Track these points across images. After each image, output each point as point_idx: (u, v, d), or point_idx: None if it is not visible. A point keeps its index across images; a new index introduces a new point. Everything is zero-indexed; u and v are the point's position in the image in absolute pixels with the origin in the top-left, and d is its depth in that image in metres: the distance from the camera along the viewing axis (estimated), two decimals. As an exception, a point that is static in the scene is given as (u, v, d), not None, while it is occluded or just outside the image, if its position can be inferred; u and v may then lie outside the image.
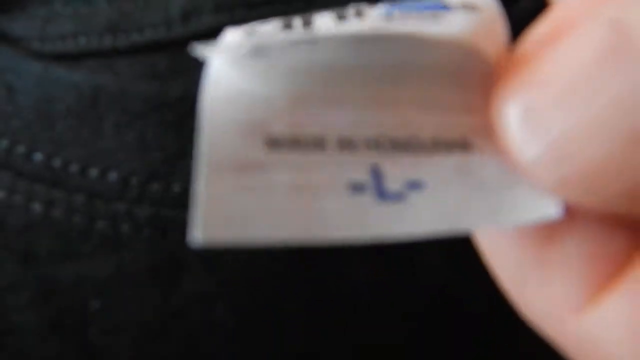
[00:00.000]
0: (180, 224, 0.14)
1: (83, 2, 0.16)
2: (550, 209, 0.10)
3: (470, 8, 0.12)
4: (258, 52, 0.11)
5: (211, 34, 0.15)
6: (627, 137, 0.09)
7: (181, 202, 0.14)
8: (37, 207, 0.14)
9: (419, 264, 0.16)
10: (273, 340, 0.15)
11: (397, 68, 0.12)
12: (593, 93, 0.09)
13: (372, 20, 0.12)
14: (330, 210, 0.10)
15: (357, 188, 0.10)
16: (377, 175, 0.11)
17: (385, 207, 0.10)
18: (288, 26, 0.12)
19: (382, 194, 0.10)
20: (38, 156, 0.15)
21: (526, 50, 0.10)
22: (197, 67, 0.15)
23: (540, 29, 0.10)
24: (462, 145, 0.11)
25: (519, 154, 0.10)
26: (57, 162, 0.15)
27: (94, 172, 0.14)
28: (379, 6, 0.12)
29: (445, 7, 0.12)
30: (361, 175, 0.10)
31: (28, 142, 0.15)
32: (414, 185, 0.11)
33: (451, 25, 0.11)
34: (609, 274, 0.10)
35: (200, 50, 0.11)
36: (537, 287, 0.10)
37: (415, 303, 0.16)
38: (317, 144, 0.11)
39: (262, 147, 0.10)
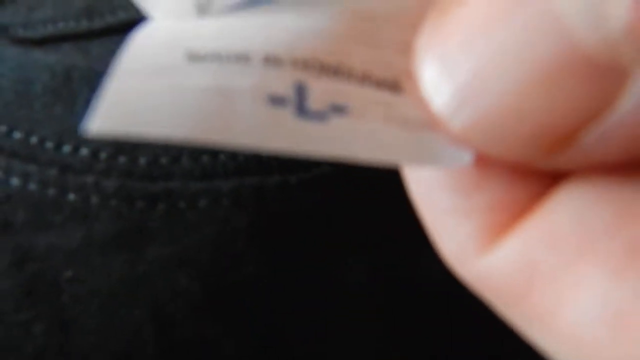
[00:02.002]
0: (146, 195, 0.15)
1: None
2: (462, 157, 0.10)
3: None
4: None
5: None
6: (523, 80, 0.09)
7: (147, 174, 0.15)
8: (15, 181, 0.15)
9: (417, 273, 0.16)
10: (238, 308, 0.16)
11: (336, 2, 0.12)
12: (493, 36, 0.09)
13: None
14: (244, 114, 0.10)
15: (277, 101, 0.10)
16: (300, 91, 0.10)
17: (304, 124, 0.10)
18: None
19: (303, 111, 0.10)
20: (17, 134, 0.16)
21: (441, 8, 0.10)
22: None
23: None
24: (392, 86, 0.11)
25: (430, 101, 0.10)
26: (34, 139, 0.16)
27: (67, 147, 0.15)
28: None
29: None
30: (283, 89, 0.10)
31: (8, 121, 0.16)
32: (338, 109, 0.10)
33: None
34: (510, 220, 0.10)
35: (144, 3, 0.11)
36: (450, 231, 0.10)
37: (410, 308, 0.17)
38: (241, 58, 0.10)
39: (182, 58, 0.10)
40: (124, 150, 0.15)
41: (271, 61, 0.10)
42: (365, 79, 0.11)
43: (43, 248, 0.15)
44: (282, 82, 0.10)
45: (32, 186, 0.15)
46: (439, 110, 0.10)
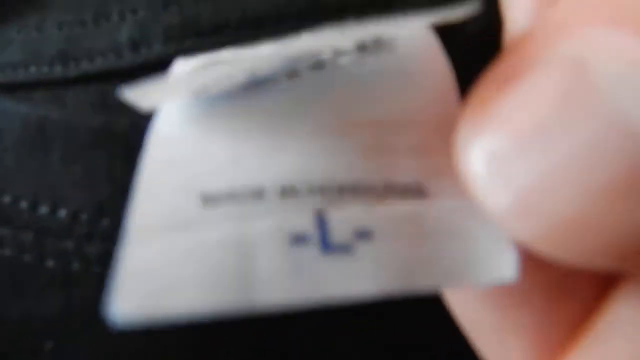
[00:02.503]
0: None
1: (35, 28, 0.16)
2: (506, 271, 0.09)
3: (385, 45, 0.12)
4: (198, 101, 0.11)
5: (161, 63, 0.15)
6: (594, 189, 0.08)
7: None
8: None
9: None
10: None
11: (342, 111, 0.11)
12: (554, 141, 0.08)
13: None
14: (266, 269, 0.09)
15: (299, 239, 0.09)
16: (322, 222, 0.10)
17: (331, 262, 0.09)
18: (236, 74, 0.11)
19: (327, 245, 0.09)
20: None
21: (484, 90, 0.10)
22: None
23: (497, 67, 0.10)
24: (416, 192, 0.10)
25: (488, 204, 0.09)
26: (6, 199, 0.14)
27: (43, 208, 0.14)
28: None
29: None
30: (304, 223, 0.10)
31: None
32: (363, 235, 0.10)
33: (391, 61, 0.11)
34: (565, 338, 0.09)
35: (135, 95, 0.11)
36: (498, 353, 0.10)
37: None
38: (256, 194, 0.10)
39: (196, 204, 0.10)
40: (107, 212, 0.14)
41: (287, 193, 0.10)
42: (388, 191, 0.10)
43: (17, 317, 0.14)
44: (302, 216, 0.10)
45: (6, 251, 0.14)
46: (497, 214, 0.09)
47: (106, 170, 0.14)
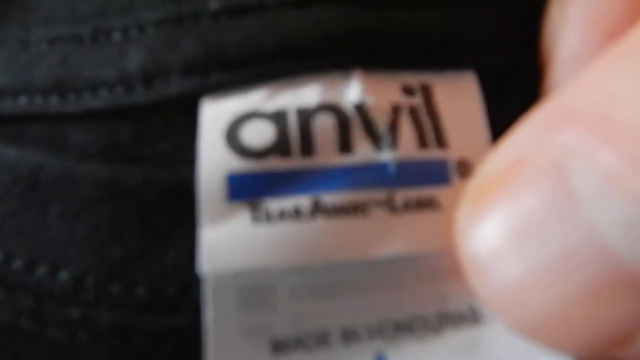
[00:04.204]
0: (147, 331, 0.12)
1: (18, 41, 0.13)
2: None
3: (464, 169, 0.12)
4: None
5: (181, 101, 0.13)
6: (571, 291, 0.09)
7: (147, 306, 0.12)
8: None
9: None
10: None
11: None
12: (538, 244, 0.09)
13: (374, 207, 0.11)
14: None
15: None
16: None
17: None
18: (285, 149, 0.11)
19: None
20: None
21: (482, 183, 0.11)
22: (163, 138, 0.13)
23: (494, 162, 0.11)
24: (470, 318, 0.11)
25: (478, 290, 0.10)
26: None
27: (42, 269, 0.12)
28: (384, 149, 0.11)
29: (443, 175, 0.12)
30: None
31: None
32: None
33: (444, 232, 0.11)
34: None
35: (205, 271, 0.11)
36: None
37: None
38: (321, 339, 0.10)
39: (267, 353, 0.10)
40: (117, 277, 0.12)
41: (349, 336, 0.10)
42: (442, 321, 0.11)
43: None
44: (364, 358, 0.10)
45: (3, 317, 0.12)
46: (488, 301, 0.10)
47: (115, 230, 0.12)
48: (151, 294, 0.12)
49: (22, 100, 0.13)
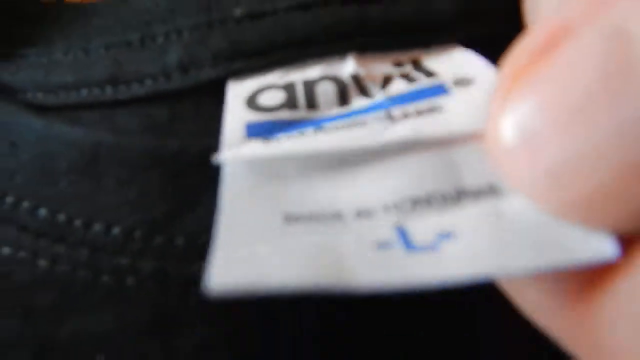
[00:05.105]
0: (183, 278, 0.14)
1: (81, 49, 0.16)
2: (603, 247, 0.09)
3: (465, 82, 0.12)
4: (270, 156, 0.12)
5: (210, 85, 0.15)
6: (627, 168, 0.08)
7: (184, 256, 0.15)
8: (42, 262, 0.15)
9: None
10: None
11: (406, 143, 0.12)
12: (594, 120, 0.08)
13: (373, 121, 0.12)
14: (353, 259, 0.09)
15: (382, 245, 0.10)
16: (402, 233, 0.10)
17: (418, 257, 0.09)
18: (293, 105, 0.12)
19: (412, 247, 0.10)
20: (42, 212, 0.15)
21: (519, 58, 0.10)
22: (196, 118, 0.15)
23: (533, 37, 0.10)
24: (490, 192, 0.10)
25: (513, 176, 0.09)
26: (61, 218, 0.15)
27: (97, 226, 0.15)
28: (377, 96, 0.13)
29: (440, 89, 0.13)
30: (385, 234, 0.10)
31: (32, 198, 0.15)
32: (445, 236, 0.10)
33: (451, 121, 0.12)
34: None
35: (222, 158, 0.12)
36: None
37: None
38: (335, 216, 0.10)
39: (280, 222, 0.10)
40: (160, 230, 0.15)
41: (363, 214, 0.10)
42: (462, 196, 0.10)
43: (68, 335, 0.15)
44: (382, 229, 0.10)
45: (61, 268, 0.15)
46: (521, 186, 0.09)
47: (158, 191, 0.15)
48: (187, 244, 0.15)
49: (84, 92, 0.16)
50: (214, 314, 0.14)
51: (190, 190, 0.15)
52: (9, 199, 0.15)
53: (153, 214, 0.15)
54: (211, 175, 0.14)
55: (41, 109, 0.16)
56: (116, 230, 0.15)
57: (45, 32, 0.17)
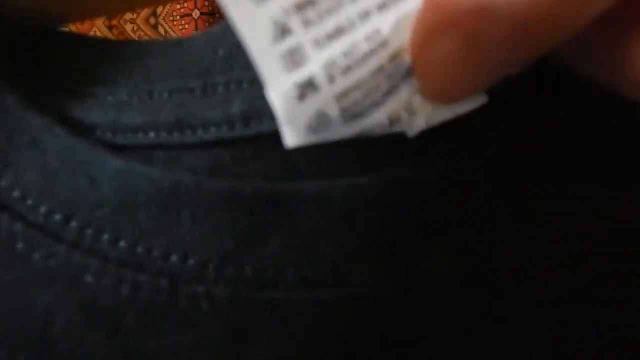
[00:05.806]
0: (252, 303, 0.17)
1: (146, 92, 0.18)
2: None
3: None
4: None
5: (270, 136, 0.18)
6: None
7: (253, 284, 0.17)
8: (124, 289, 0.17)
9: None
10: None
11: None
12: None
13: None
14: None
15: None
16: None
17: None
18: None
19: None
20: (122, 243, 0.17)
21: None
22: (258, 160, 0.18)
23: None
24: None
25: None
26: (140, 249, 0.17)
27: (174, 257, 0.17)
28: None
29: None
30: None
31: (112, 230, 0.17)
32: None
33: None
34: None
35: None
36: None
37: None
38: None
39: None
40: (231, 262, 0.17)
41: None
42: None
43: (152, 349, 0.17)
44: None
45: (143, 294, 0.17)
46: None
47: (230, 228, 0.17)
48: (255, 274, 0.17)
49: (151, 134, 0.18)
50: (279, 333, 0.17)
51: (259, 226, 0.17)
52: (89, 231, 0.17)
53: (225, 248, 0.17)
54: (279, 214, 0.17)
55: (115, 147, 0.17)
56: (191, 261, 0.17)
57: (109, 70, 0.18)
